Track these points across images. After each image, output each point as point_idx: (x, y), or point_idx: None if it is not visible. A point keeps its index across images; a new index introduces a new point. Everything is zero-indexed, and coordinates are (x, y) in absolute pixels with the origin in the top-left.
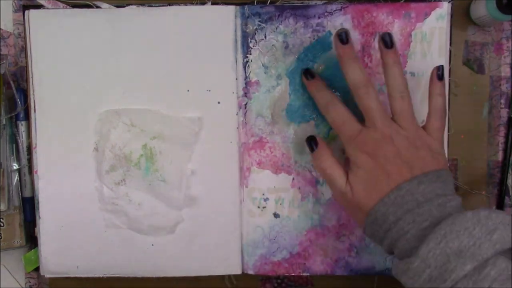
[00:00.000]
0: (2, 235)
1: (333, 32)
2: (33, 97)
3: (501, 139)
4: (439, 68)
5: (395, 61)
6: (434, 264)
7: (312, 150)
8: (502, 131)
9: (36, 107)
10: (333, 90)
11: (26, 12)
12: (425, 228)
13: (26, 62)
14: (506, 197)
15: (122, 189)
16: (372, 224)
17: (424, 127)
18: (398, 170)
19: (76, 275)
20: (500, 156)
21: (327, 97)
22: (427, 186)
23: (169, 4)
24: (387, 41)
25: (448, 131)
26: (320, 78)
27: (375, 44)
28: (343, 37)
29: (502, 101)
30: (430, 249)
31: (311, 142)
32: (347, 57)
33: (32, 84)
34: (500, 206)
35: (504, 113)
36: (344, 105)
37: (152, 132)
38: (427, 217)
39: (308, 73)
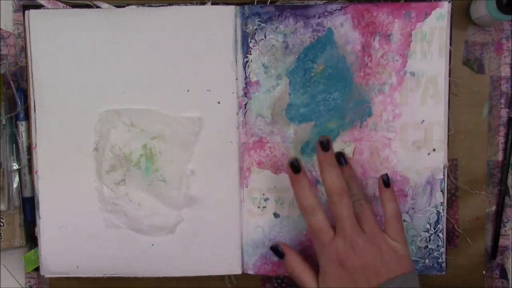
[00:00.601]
0: (2, 235)
1: (334, 29)
2: (33, 97)
3: (501, 139)
4: (383, 176)
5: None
6: None
7: (281, 257)
8: (502, 131)
9: (36, 107)
10: (332, 90)
11: (26, 12)
12: None
13: (26, 62)
14: (506, 197)
15: (122, 189)
16: None
17: (385, 231)
18: (365, 279)
19: (76, 275)
20: (500, 156)
21: (310, 200)
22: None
23: (169, 4)
24: (385, 181)
25: (448, 131)
26: (306, 175)
27: (375, 44)
28: (325, 144)
29: (502, 101)
30: None
31: (278, 250)
32: (327, 163)
33: (32, 84)
34: (500, 206)
35: (504, 113)
36: (323, 213)
37: (152, 132)
38: None
39: (294, 166)
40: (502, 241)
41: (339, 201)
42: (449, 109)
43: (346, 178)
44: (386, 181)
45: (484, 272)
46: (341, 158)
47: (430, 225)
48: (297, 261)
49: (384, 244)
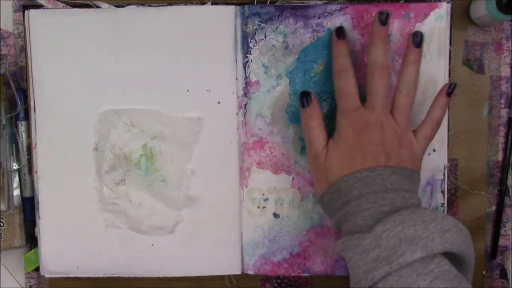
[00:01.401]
0: (2, 235)
1: (333, 29)
2: (33, 97)
3: (501, 139)
4: (451, 86)
5: (416, 60)
6: (385, 245)
7: (303, 105)
8: (502, 131)
9: (36, 107)
10: (332, 90)
11: (26, 12)
12: (384, 212)
13: (26, 62)
14: (506, 197)
15: (122, 189)
16: (332, 194)
17: (414, 131)
18: (376, 154)
19: (76, 275)
20: (500, 156)
21: (345, 65)
22: (398, 178)
23: (169, 4)
24: (417, 41)
25: (448, 131)
26: (348, 44)
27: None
28: (383, 18)
29: (502, 101)
30: (385, 229)
31: (305, 97)
32: (379, 38)
33: (32, 84)
34: (500, 206)
35: (504, 113)
36: (355, 79)
37: (152, 132)
38: (389, 202)
39: (339, 31)
40: (502, 241)
41: (379, 76)
42: (449, 109)
43: (412, 61)
44: (418, 39)
45: (484, 272)
46: (418, 40)
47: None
48: (318, 117)
49: (406, 139)
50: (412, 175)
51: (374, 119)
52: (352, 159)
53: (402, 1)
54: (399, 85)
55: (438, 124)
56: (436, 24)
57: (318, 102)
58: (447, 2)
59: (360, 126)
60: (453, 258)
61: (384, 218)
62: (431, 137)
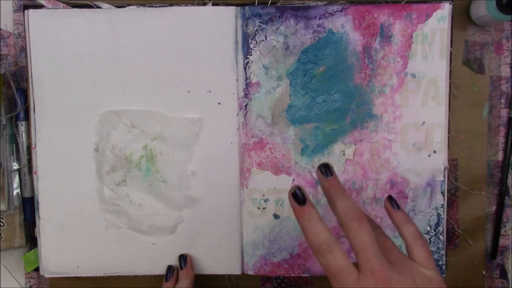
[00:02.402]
0: (2, 235)
1: (334, 31)
2: (33, 97)
3: (501, 139)
4: (390, 199)
5: (408, 221)
6: None
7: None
8: (502, 131)
9: (35, 107)
10: (333, 92)
11: (26, 12)
12: None
13: (26, 62)
14: (506, 197)
15: (122, 189)
16: None
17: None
18: None
19: (77, 275)
20: (500, 156)
21: (324, 236)
22: None
23: (170, 5)
24: (395, 204)
25: (449, 133)
26: (313, 205)
27: (376, 45)
28: (326, 170)
29: (502, 101)
30: None
31: (299, 197)
32: (334, 191)
33: (32, 84)
34: (500, 206)
35: (504, 113)
36: (341, 249)
37: (152, 133)
38: None
39: (298, 196)
40: (502, 241)
41: (360, 227)
42: (449, 109)
43: (402, 226)
44: (394, 205)
45: (484, 272)
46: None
47: (431, 227)
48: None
49: (417, 275)
50: None
51: (380, 281)
52: None
53: (403, 2)
54: (346, 221)
55: (421, 236)
56: (438, 25)
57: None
58: (450, 3)
59: None
60: None
61: None
62: (429, 252)
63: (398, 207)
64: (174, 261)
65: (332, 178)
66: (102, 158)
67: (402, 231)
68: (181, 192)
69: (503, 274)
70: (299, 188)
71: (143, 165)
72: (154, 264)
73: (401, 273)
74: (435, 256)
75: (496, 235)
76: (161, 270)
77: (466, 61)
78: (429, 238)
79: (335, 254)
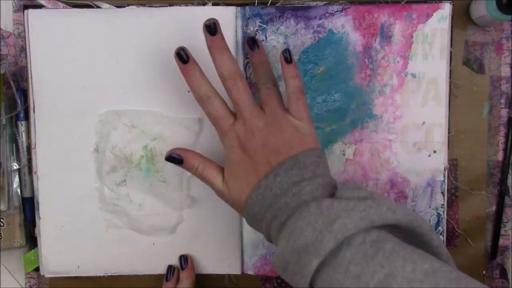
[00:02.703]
0: (2, 235)
1: (335, 31)
2: (33, 97)
3: (501, 139)
4: (285, 51)
5: (261, 60)
6: (291, 261)
7: (180, 163)
8: (502, 131)
9: (35, 107)
10: (333, 92)
11: (26, 11)
12: (283, 223)
13: (26, 62)
14: (506, 197)
15: (122, 189)
16: (250, 221)
17: (288, 110)
18: (266, 159)
19: (77, 275)
20: (500, 156)
21: (205, 88)
22: (283, 177)
23: (170, 5)
24: (286, 57)
25: (449, 133)
26: (196, 63)
27: (376, 45)
28: (212, 28)
29: (502, 101)
30: (282, 248)
31: (175, 158)
32: (216, 48)
33: (32, 84)
34: (500, 206)
35: (504, 113)
36: (220, 99)
37: (152, 133)
38: (284, 210)
39: (181, 56)
40: (502, 241)
41: (233, 85)
42: (449, 110)
43: (256, 63)
44: (288, 57)
45: (484, 272)
46: (252, 43)
47: (430, 222)
48: (198, 160)
49: (285, 122)
50: (298, 160)
51: (248, 126)
52: (247, 178)
53: (404, 2)
54: (259, 84)
55: (301, 91)
56: (438, 25)
57: (190, 150)
58: (450, 3)
59: (241, 141)
60: (396, 230)
61: (278, 235)
62: (304, 105)
63: (291, 61)
64: (174, 261)
65: (216, 37)
66: (102, 158)
67: (286, 85)
68: (181, 192)
69: (503, 274)
70: (182, 48)
71: (143, 165)
72: (154, 264)
73: (269, 121)
74: None
75: (496, 235)
76: (161, 270)
77: (466, 61)
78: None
79: (214, 103)
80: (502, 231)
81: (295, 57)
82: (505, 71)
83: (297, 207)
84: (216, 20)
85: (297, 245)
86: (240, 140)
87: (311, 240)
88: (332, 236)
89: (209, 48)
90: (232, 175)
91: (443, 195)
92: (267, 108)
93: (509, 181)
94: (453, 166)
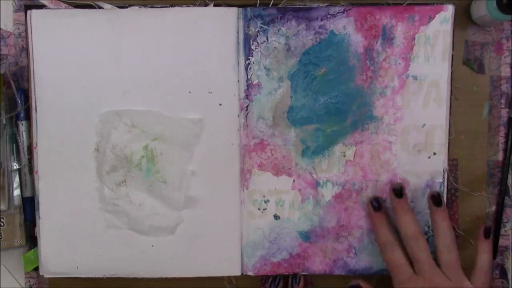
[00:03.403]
0: (2, 234)
1: (336, 32)
2: (34, 97)
3: (501, 139)
4: (487, 228)
5: (444, 218)
6: None
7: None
8: (502, 131)
9: (37, 107)
10: (334, 93)
11: (28, 12)
12: None
13: (28, 62)
14: (506, 197)
15: (122, 189)
16: None
17: (470, 279)
18: None
19: (76, 275)
20: (500, 156)
21: (389, 236)
22: None
23: (171, 6)
24: (436, 199)
25: (449, 135)
26: (386, 212)
27: (378, 47)
28: (398, 191)
29: (502, 101)
30: None
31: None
32: (401, 210)
33: (33, 84)
34: (500, 206)
35: (504, 113)
36: (402, 249)
37: (153, 133)
38: None
39: (375, 203)
40: (502, 241)
41: (416, 245)
42: (450, 112)
43: (438, 220)
44: (487, 232)
45: None
46: (437, 200)
47: (429, 228)
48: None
49: (463, 284)
50: None
51: (428, 284)
52: None
53: (406, 4)
54: (438, 245)
55: (491, 269)
56: (441, 27)
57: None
58: (453, 5)
59: None
60: None
61: None
62: (488, 282)
63: (489, 236)
64: (174, 262)
65: (402, 200)
66: (102, 158)
67: (477, 257)
68: (181, 192)
69: (503, 274)
70: (376, 199)
71: (143, 165)
72: (154, 266)
73: (449, 283)
74: (433, 256)
75: (496, 235)
76: (160, 273)
77: (466, 61)
78: (427, 239)
79: (396, 251)
80: (502, 231)
81: (297, 58)
82: (505, 71)
83: None
84: (403, 185)
85: None
86: None
87: None
88: None
89: (394, 208)
90: None
91: None
92: (449, 273)
93: (509, 181)
94: (453, 166)
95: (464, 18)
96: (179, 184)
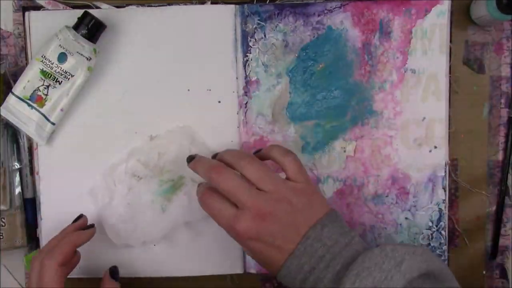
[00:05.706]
0: (3, 234)
1: (334, 27)
2: None
3: (501, 139)
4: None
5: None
6: None
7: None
8: (502, 131)
9: None
10: (333, 88)
11: (26, 13)
12: (339, 271)
13: (27, 63)
14: (506, 197)
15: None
16: (285, 277)
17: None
18: (289, 239)
19: (77, 276)
20: (500, 156)
21: (204, 188)
22: (330, 228)
23: (169, 4)
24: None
25: (449, 128)
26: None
27: (376, 41)
28: (189, 159)
29: (502, 101)
30: None
31: None
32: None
33: None
34: (500, 206)
35: (504, 113)
36: (217, 195)
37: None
38: (338, 259)
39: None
40: (502, 241)
41: (218, 176)
42: (450, 109)
43: (219, 157)
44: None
45: (484, 272)
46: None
47: (432, 223)
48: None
49: (291, 192)
50: (333, 214)
51: (254, 213)
52: (272, 261)
53: None
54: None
55: (287, 152)
56: (437, 20)
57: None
58: None
59: (252, 233)
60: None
61: (342, 279)
62: (298, 165)
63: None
64: (176, 261)
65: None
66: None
67: (270, 154)
68: (182, 192)
69: (503, 274)
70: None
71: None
72: (156, 265)
73: (274, 198)
74: (437, 252)
75: (496, 235)
76: (162, 272)
77: (466, 61)
78: (431, 234)
79: (212, 199)
80: (502, 231)
81: (295, 54)
82: (505, 71)
83: (351, 256)
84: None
85: (364, 285)
86: (251, 232)
87: (379, 279)
88: (402, 276)
89: (208, 177)
90: (256, 259)
91: (445, 191)
92: (264, 184)
93: (509, 181)
94: (453, 166)
95: (464, 18)
96: (179, 184)
